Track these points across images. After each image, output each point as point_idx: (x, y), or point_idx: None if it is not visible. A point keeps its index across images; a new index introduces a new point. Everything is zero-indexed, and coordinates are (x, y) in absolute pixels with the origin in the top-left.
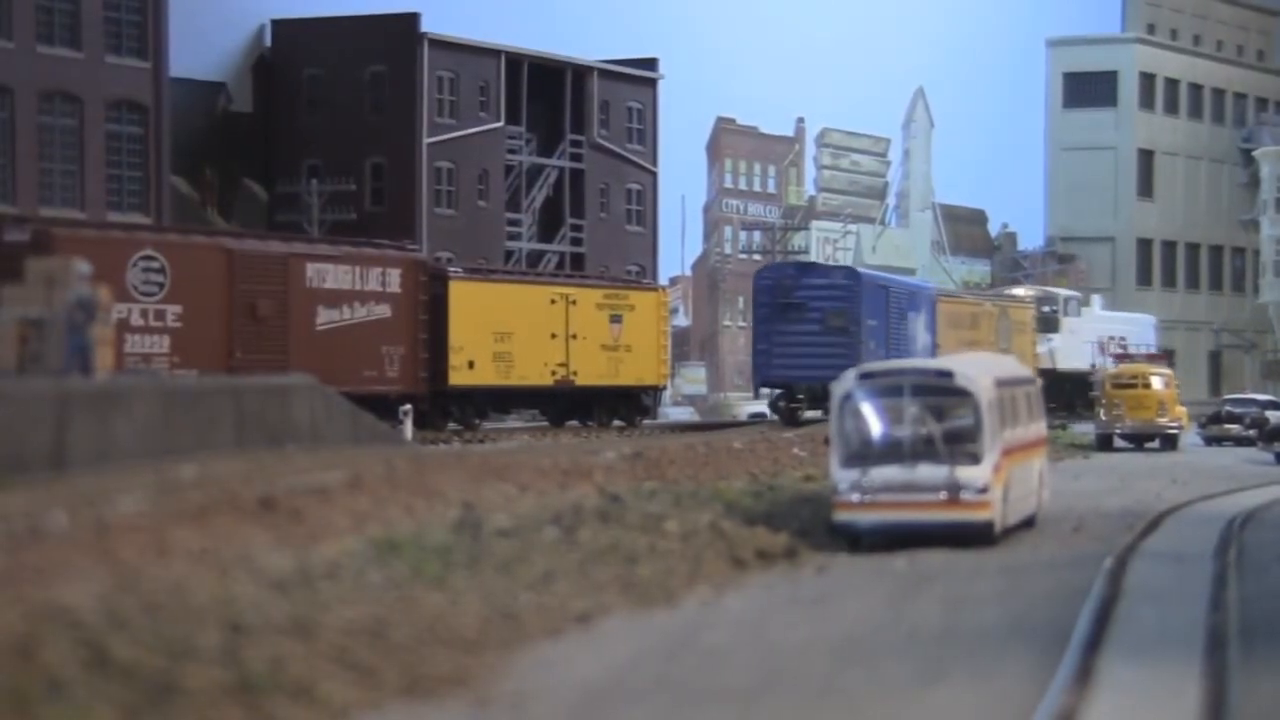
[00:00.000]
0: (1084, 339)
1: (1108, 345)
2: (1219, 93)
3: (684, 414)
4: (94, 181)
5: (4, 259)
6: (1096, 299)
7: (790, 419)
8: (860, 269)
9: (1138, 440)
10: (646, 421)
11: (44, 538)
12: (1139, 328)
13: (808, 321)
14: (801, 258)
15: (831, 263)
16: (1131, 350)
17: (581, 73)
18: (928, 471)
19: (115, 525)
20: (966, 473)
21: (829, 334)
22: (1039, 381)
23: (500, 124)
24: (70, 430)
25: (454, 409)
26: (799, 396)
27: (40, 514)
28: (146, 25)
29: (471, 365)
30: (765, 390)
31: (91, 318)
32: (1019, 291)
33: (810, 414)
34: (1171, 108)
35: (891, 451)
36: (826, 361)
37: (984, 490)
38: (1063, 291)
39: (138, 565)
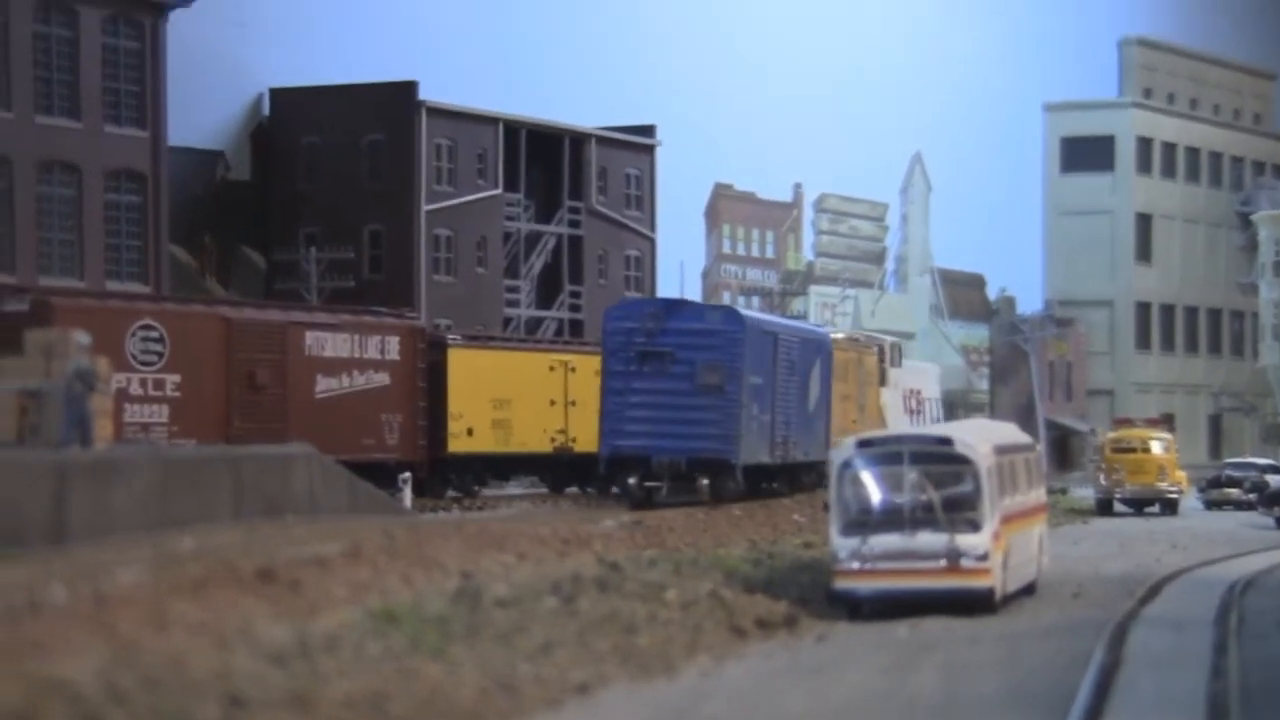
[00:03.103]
0: (900, 391)
1: (909, 398)
2: (1216, 156)
3: None
4: (93, 251)
5: (3, 329)
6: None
7: (644, 501)
8: (743, 310)
9: (1138, 505)
10: None
11: (43, 611)
12: (927, 378)
13: (673, 376)
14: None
15: (715, 303)
16: (924, 400)
17: (579, 140)
18: (928, 539)
19: (114, 598)
20: (966, 540)
21: (699, 394)
22: (1039, 448)
23: (498, 191)
24: (69, 502)
25: (453, 476)
26: (655, 474)
27: (39, 587)
28: (145, 95)
29: (470, 432)
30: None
31: (91, 388)
32: (839, 336)
33: (697, 493)
34: (1169, 171)
35: (891, 519)
36: (693, 430)
37: (984, 557)
38: (888, 337)
39: (136, 638)
